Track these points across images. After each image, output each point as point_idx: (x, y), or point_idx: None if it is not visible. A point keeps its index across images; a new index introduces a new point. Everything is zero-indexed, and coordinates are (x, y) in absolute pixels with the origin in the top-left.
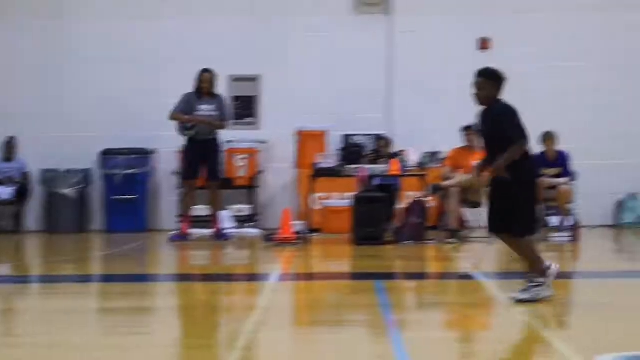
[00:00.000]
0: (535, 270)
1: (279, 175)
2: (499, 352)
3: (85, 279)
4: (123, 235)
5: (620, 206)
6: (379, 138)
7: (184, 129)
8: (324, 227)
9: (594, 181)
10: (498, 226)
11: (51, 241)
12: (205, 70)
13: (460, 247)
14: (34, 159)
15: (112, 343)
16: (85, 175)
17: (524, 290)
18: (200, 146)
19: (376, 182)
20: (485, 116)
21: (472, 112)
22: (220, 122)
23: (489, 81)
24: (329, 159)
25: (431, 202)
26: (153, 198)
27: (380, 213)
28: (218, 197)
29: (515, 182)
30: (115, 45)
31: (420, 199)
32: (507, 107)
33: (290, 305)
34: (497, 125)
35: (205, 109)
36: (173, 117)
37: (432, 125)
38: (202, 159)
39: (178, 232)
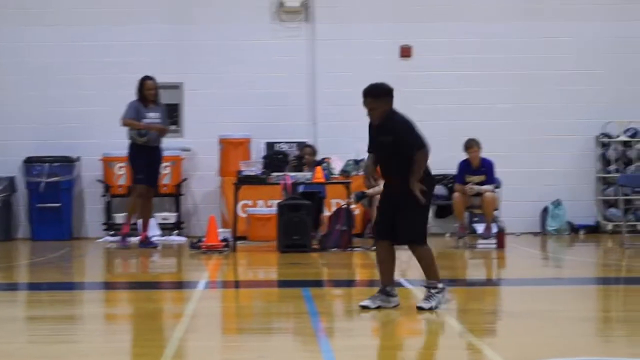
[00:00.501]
0: (433, 276)
1: (203, 183)
2: (430, 358)
3: (11, 287)
4: (48, 244)
5: (545, 213)
6: (302, 146)
7: (137, 135)
8: (249, 235)
9: (518, 188)
10: (388, 234)
11: None
12: (148, 78)
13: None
14: None
15: (41, 352)
16: (8, 183)
17: (428, 298)
18: (148, 153)
19: (300, 189)
20: (382, 129)
21: None
22: (167, 128)
23: (380, 99)
24: (252, 167)
25: (356, 209)
26: (77, 206)
27: (306, 220)
28: (151, 204)
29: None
30: (37, 52)
31: (346, 206)
32: (405, 116)
33: (218, 313)
34: (402, 134)
35: (152, 117)
36: (126, 124)
37: (356, 133)
38: (148, 165)
39: (123, 236)
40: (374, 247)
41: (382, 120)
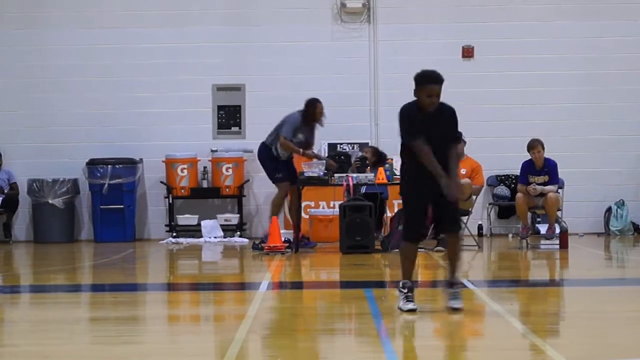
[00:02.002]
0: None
1: (265, 185)
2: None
3: (74, 288)
4: (111, 245)
5: (609, 213)
6: (365, 147)
7: (285, 153)
8: (312, 236)
9: (581, 189)
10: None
11: (39, 251)
12: (318, 101)
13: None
14: (20, 169)
15: (104, 353)
16: (72, 185)
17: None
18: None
19: (363, 190)
20: (436, 117)
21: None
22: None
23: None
24: (315, 168)
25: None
26: (140, 207)
27: (368, 221)
28: (298, 201)
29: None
30: (100, 55)
31: None
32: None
33: (281, 314)
34: (454, 122)
35: (302, 137)
36: (283, 144)
37: None
38: (284, 163)
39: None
40: (436, 248)
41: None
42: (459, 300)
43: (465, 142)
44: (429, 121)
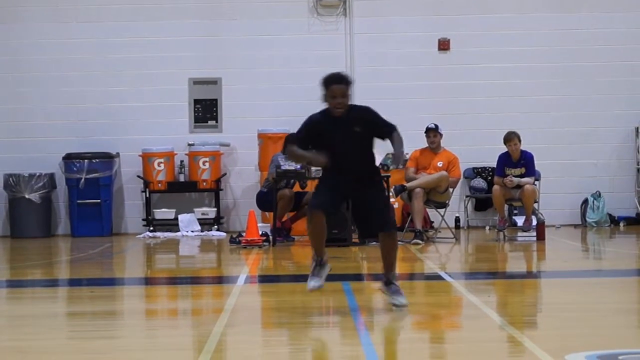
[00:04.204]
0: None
1: (243, 178)
2: (471, 352)
3: (51, 283)
4: (88, 240)
5: (585, 205)
6: None
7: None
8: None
9: (558, 181)
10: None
11: (16, 246)
12: None
13: (426, 247)
14: None
15: (82, 347)
16: (49, 180)
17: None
18: None
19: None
20: (347, 121)
21: (433, 113)
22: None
23: (350, 87)
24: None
25: (395, 203)
26: (117, 202)
27: (345, 214)
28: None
29: None
30: (76, 49)
31: None
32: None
33: (258, 307)
34: (373, 119)
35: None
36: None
37: None
38: None
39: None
40: (414, 241)
41: (345, 111)
42: (402, 296)
43: (442, 135)
44: (338, 125)
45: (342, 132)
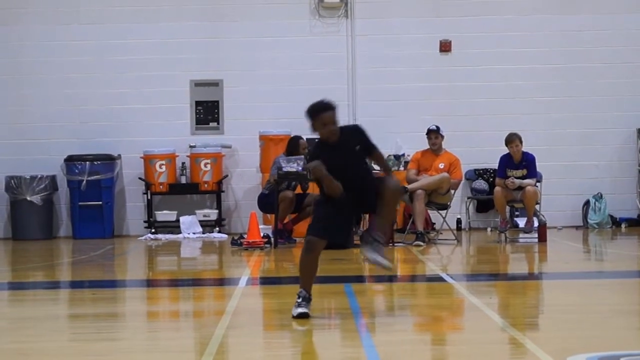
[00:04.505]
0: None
1: (244, 180)
2: (472, 353)
3: (53, 285)
4: (89, 242)
5: (587, 207)
6: None
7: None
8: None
9: (559, 182)
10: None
11: (18, 248)
12: (301, 138)
13: (427, 249)
14: None
15: (83, 350)
16: (50, 182)
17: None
18: None
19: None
20: (342, 145)
21: (434, 114)
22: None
23: (336, 112)
24: (293, 163)
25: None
26: (118, 204)
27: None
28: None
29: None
30: (77, 52)
31: None
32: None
33: (260, 309)
34: (364, 137)
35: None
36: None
37: (396, 128)
38: None
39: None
40: (415, 242)
41: (337, 134)
42: (380, 253)
43: (443, 137)
44: (337, 150)
45: (343, 155)
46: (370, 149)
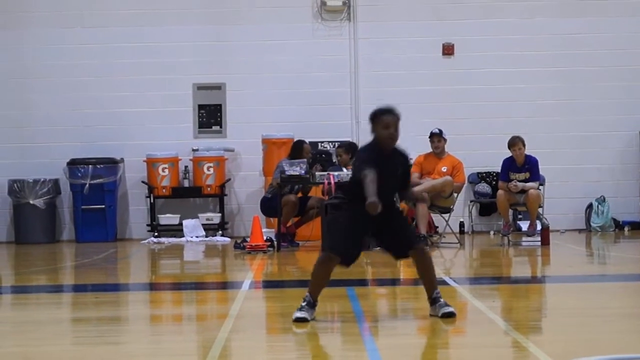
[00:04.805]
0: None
1: (247, 183)
2: (475, 357)
3: (56, 289)
4: (92, 245)
5: (590, 210)
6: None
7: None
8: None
9: (562, 185)
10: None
11: (21, 252)
12: (305, 142)
13: (430, 252)
14: (0, 169)
15: (86, 353)
16: (53, 185)
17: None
18: None
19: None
20: (390, 160)
21: (437, 118)
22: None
23: (399, 120)
24: (296, 167)
25: (400, 208)
26: (121, 207)
27: (330, 232)
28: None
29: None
30: (80, 55)
31: None
32: None
33: (263, 313)
34: (406, 171)
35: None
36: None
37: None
38: None
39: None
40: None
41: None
42: (448, 306)
43: (446, 140)
44: (387, 162)
45: (388, 170)
46: (406, 180)
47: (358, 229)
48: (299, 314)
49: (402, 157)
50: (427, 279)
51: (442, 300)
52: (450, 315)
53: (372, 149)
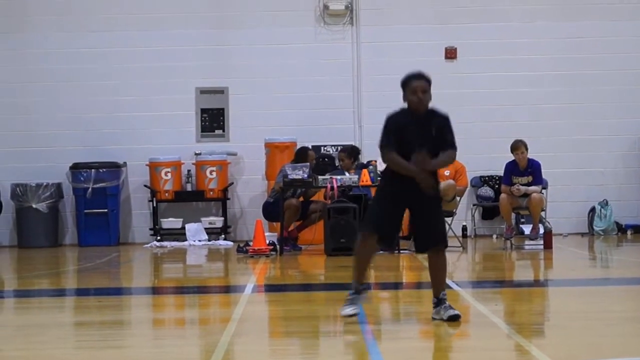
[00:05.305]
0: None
1: (250, 187)
2: None
3: (59, 292)
4: (95, 249)
5: (593, 213)
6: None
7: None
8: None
9: (565, 189)
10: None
11: (23, 256)
12: (310, 149)
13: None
14: (3, 173)
15: (89, 357)
16: (56, 189)
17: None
18: None
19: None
20: (426, 123)
21: None
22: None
23: (430, 85)
24: (299, 170)
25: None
26: (124, 211)
27: (352, 223)
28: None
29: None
30: (82, 59)
31: None
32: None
33: (266, 317)
34: (446, 128)
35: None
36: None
37: None
38: None
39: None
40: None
41: (423, 112)
42: (453, 309)
43: None
44: (419, 126)
45: (420, 132)
46: (444, 140)
47: (390, 205)
48: (347, 310)
49: (438, 118)
50: (438, 280)
51: (447, 302)
52: (455, 319)
53: (400, 114)
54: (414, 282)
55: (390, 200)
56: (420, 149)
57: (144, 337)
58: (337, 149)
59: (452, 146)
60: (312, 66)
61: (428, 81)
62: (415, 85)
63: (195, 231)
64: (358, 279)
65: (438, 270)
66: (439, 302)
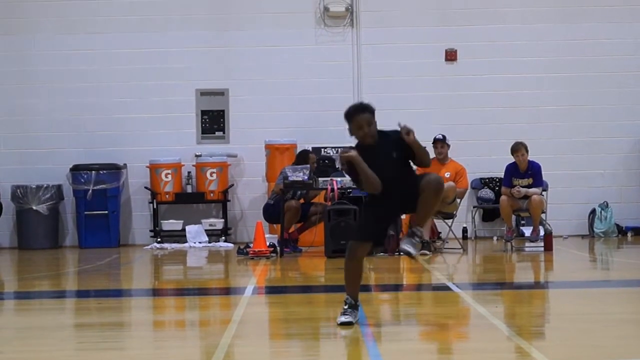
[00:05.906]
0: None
1: (250, 189)
2: None
3: (59, 294)
4: (95, 251)
5: (593, 215)
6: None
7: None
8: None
9: (565, 191)
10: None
11: (24, 257)
12: (311, 152)
13: (433, 258)
14: (4, 175)
15: (90, 359)
16: (56, 191)
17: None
18: None
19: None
20: (380, 147)
21: (440, 124)
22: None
23: (373, 114)
24: (299, 172)
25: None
26: (124, 213)
27: (352, 225)
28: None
29: None
30: (83, 61)
31: None
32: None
33: (266, 319)
34: (405, 146)
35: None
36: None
37: None
38: None
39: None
40: (421, 251)
41: (372, 140)
42: (414, 247)
43: (449, 146)
44: (375, 152)
45: (381, 159)
46: (409, 153)
47: (379, 217)
48: (343, 319)
49: (391, 136)
50: (422, 212)
51: (416, 238)
52: (407, 254)
53: (359, 148)
54: (414, 284)
55: (377, 216)
56: (387, 173)
57: (144, 338)
58: (338, 150)
59: (417, 150)
60: (312, 68)
61: (371, 112)
62: (359, 120)
63: (196, 233)
64: (352, 295)
65: (425, 203)
66: (411, 233)
